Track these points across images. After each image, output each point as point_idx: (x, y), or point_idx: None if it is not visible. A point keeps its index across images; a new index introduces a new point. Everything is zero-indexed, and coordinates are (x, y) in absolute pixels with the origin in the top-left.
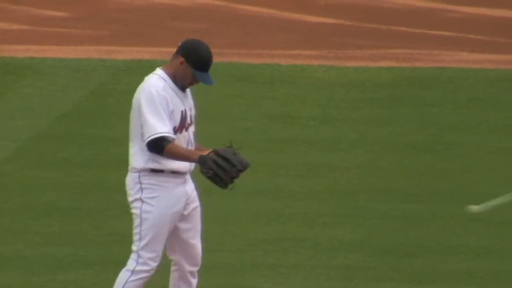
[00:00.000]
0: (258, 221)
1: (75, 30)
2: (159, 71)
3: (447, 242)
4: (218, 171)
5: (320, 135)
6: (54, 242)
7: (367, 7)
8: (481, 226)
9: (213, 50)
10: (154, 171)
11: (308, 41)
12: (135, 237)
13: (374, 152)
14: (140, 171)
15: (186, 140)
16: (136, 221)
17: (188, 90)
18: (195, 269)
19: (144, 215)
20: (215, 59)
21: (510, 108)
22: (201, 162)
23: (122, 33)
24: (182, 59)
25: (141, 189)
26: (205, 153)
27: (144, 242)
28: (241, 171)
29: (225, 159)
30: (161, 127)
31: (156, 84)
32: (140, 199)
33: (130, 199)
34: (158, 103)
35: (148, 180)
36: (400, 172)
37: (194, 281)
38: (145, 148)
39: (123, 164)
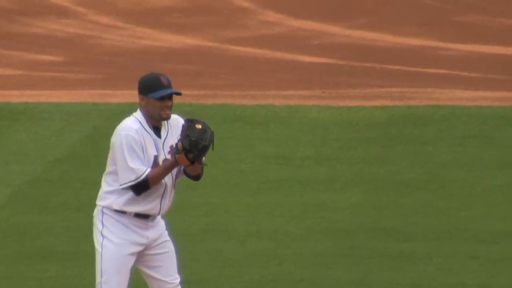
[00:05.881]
0: (255, 262)
1: (69, 74)
2: (138, 113)
3: (445, 281)
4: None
5: (315, 175)
6: (51, 287)
7: (360, 46)
8: (478, 263)
9: (206, 92)
10: (117, 211)
11: (301, 81)
12: (97, 276)
13: (370, 191)
14: (104, 207)
15: (161, 184)
16: (97, 257)
17: (175, 126)
18: None
19: (104, 250)
20: (209, 101)
21: (505, 145)
22: (185, 150)
23: (115, 77)
24: (140, 96)
25: (102, 223)
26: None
27: (104, 278)
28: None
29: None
30: (137, 171)
31: (131, 126)
32: (101, 233)
33: (94, 230)
34: (131, 145)
35: (109, 217)
36: (396, 211)
37: None
38: (114, 187)
39: None
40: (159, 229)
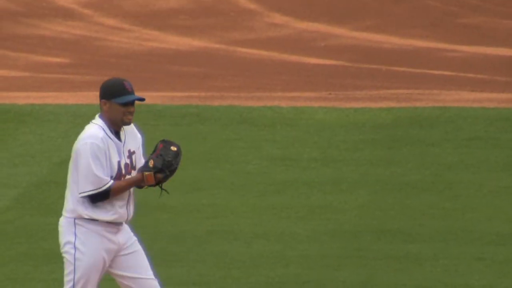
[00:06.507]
0: (261, 264)
1: (75, 76)
2: (98, 120)
3: (451, 282)
4: (170, 163)
5: (321, 177)
6: None
7: (366, 48)
8: (484, 265)
9: (213, 93)
10: (89, 219)
11: (308, 82)
12: (68, 284)
13: (376, 192)
14: (76, 218)
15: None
16: (69, 267)
17: (130, 132)
18: None
19: (77, 263)
20: (215, 103)
21: (511, 147)
22: (156, 169)
23: None
24: (103, 100)
25: (75, 234)
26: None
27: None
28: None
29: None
30: (100, 181)
31: (96, 135)
32: (73, 245)
33: (62, 240)
34: (96, 154)
35: (81, 227)
36: (402, 212)
37: None
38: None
39: None
40: (126, 231)
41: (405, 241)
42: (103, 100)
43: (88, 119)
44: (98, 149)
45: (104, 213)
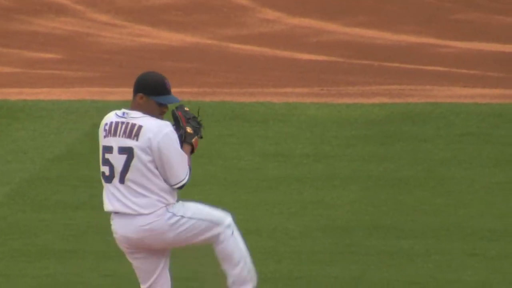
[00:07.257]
0: (253, 260)
1: (67, 72)
2: (141, 114)
3: (443, 278)
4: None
5: (313, 173)
6: (50, 285)
7: (359, 43)
8: (477, 261)
9: (205, 89)
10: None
11: (300, 78)
12: (209, 230)
13: (368, 188)
14: (166, 205)
15: None
16: (193, 226)
17: None
18: None
19: (192, 221)
20: (207, 99)
21: (503, 143)
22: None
23: (114, 74)
24: (140, 94)
25: (172, 213)
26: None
27: (209, 219)
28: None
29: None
30: (186, 166)
31: (165, 122)
32: (181, 217)
33: (160, 232)
34: (176, 139)
35: (173, 205)
36: (394, 208)
37: None
38: (162, 191)
39: None
40: None
41: (398, 237)
42: (139, 94)
43: (81, 115)
44: (175, 135)
45: (175, 194)
